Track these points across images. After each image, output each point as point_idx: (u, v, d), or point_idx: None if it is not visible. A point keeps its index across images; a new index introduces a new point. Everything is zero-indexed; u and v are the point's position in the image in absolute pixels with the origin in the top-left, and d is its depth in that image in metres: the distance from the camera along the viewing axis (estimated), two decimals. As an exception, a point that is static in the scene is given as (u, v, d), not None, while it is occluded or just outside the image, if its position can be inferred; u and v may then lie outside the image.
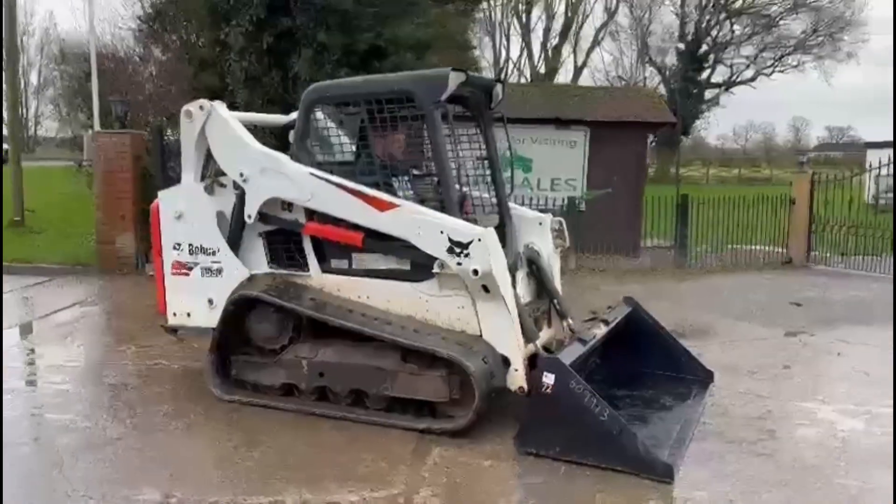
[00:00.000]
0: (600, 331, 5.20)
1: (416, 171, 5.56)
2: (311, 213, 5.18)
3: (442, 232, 4.68)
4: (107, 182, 10.25)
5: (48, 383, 5.76)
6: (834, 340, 7.22)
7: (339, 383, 5.04)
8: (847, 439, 4.77)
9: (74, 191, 15.36)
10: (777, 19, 38.33)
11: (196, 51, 12.38)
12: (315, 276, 5.25)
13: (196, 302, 5.45)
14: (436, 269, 4.73)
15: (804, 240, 12.03)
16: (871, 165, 12.50)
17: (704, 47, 38.83)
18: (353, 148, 5.44)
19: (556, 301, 5.53)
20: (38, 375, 5.92)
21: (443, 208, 4.94)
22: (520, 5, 37.98)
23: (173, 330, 5.71)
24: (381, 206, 4.86)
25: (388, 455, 4.46)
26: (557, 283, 5.69)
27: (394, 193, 5.03)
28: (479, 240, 4.60)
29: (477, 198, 5.42)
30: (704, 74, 39.36)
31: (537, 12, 39.81)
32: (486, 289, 4.66)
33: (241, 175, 5.21)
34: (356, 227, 4.99)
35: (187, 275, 5.47)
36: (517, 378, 4.71)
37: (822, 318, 8.19)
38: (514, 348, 4.73)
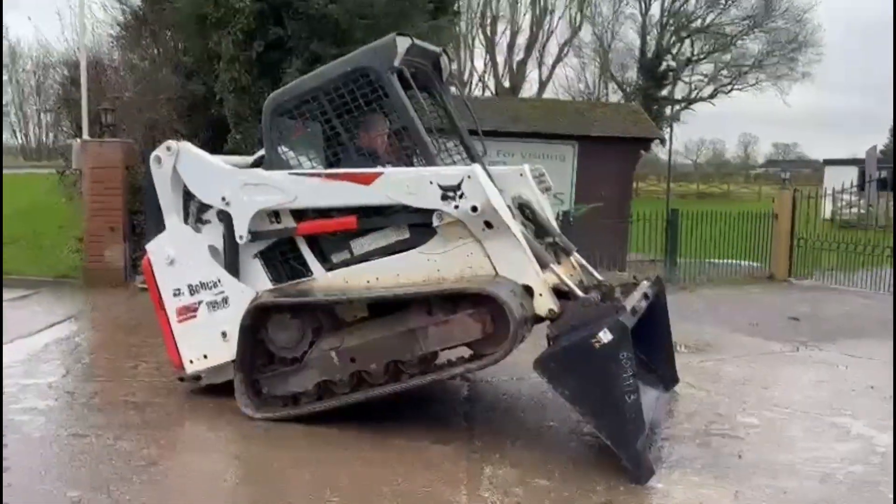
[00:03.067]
0: (644, 305, 5.19)
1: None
2: (299, 215, 5.12)
3: (431, 182, 4.67)
4: (95, 192, 9.93)
5: (68, 402, 5.53)
6: (840, 355, 7.36)
7: (373, 361, 4.91)
8: (887, 454, 4.84)
9: (43, 200, 14.87)
10: (734, 39, 39.33)
11: (181, 59, 12.10)
12: (320, 276, 5.16)
13: (210, 340, 5.31)
14: (435, 223, 4.70)
15: (786, 255, 12.29)
16: (846, 184, 12.86)
17: (665, 65, 39.61)
18: (326, 152, 5.34)
19: (557, 238, 5.47)
20: (55, 394, 5.67)
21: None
22: (485, 19, 38.27)
23: (195, 378, 5.55)
24: (366, 179, 4.84)
25: (441, 474, 4.37)
26: (553, 222, 5.64)
27: None
28: (469, 176, 4.62)
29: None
30: (664, 91, 40.12)
31: (501, 27, 40.19)
32: (489, 224, 4.64)
33: (223, 199, 5.15)
34: (347, 211, 4.95)
35: (195, 316, 5.34)
36: (543, 303, 4.67)
37: (822, 332, 8.35)
38: (533, 275, 4.70)
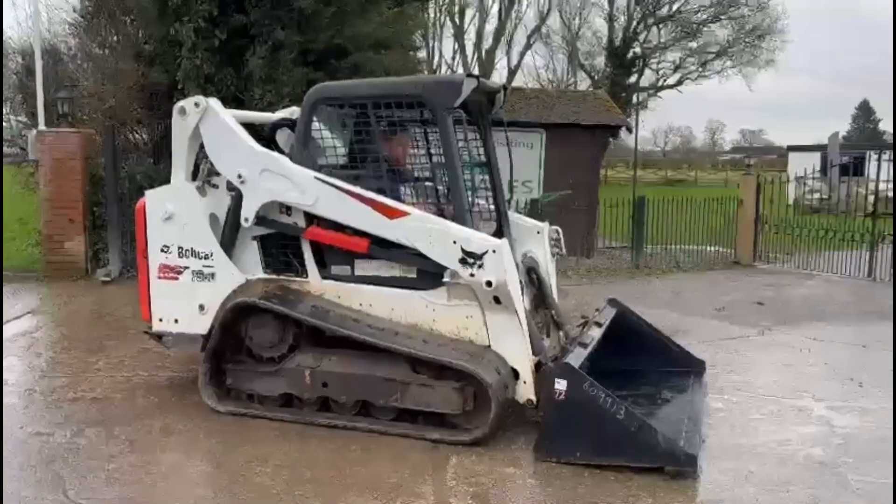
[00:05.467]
0: (596, 333, 5.22)
1: (417, 176, 5.47)
2: (311, 218, 5.01)
3: (454, 242, 4.59)
4: (54, 184, 9.68)
5: (26, 399, 5.40)
6: (803, 338, 7.45)
7: (345, 394, 4.87)
8: (847, 435, 4.92)
9: (5, 192, 14.49)
10: (701, 26, 39.53)
11: (141, 46, 11.82)
12: (314, 282, 5.08)
13: (185, 307, 5.19)
14: (446, 279, 4.63)
15: (751, 240, 12.42)
16: (808, 170, 13.03)
17: (632, 52, 39.75)
18: (355, 151, 5.23)
19: (554, 312, 5.50)
20: (13, 391, 5.53)
21: (450, 216, 4.85)
22: (454, 6, 38.03)
23: (158, 336, 5.42)
24: (391, 213, 4.74)
25: (407, 465, 4.35)
26: (554, 291, 5.65)
27: (399, 199, 4.93)
28: (494, 251, 4.54)
29: (475, 205, 5.32)
30: (632, 78, 40.29)
31: (470, 13, 40.00)
32: (497, 300, 4.59)
33: (239, 176, 4.99)
34: (362, 233, 4.84)
35: (176, 279, 5.21)
36: (526, 390, 4.68)
37: (786, 316, 8.46)
38: (524, 360, 4.69)
